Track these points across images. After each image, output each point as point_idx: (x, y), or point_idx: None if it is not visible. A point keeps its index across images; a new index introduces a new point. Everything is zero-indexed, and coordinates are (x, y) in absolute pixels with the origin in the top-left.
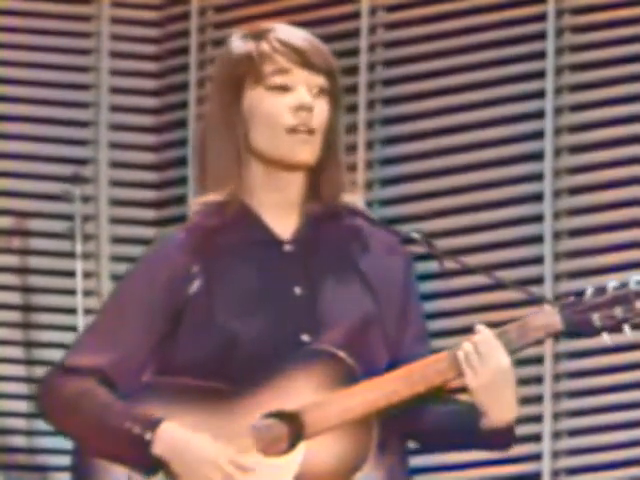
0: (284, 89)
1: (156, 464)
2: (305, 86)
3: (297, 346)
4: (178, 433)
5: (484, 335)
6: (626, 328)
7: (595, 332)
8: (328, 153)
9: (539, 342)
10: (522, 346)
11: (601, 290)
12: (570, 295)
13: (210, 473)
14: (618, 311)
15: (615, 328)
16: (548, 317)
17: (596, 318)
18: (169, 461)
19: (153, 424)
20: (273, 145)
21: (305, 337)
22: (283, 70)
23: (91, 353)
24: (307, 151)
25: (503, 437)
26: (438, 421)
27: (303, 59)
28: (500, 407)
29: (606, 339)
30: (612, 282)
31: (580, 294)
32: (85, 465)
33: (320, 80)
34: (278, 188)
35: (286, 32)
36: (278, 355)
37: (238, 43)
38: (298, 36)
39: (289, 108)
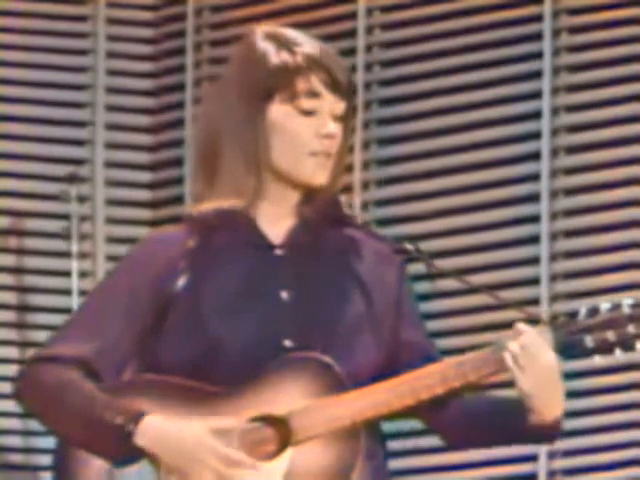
0: (312, 113)
1: (136, 456)
2: (331, 113)
3: (279, 351)
4: (163, 424)
5: (531, 335)
6: (617, 351)
7: (587, 354)
8: (334, 172)
9: None
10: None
11: (594, 311)
12: (566, 296)
13: (205, 457)
14: (610, 334)
15: (607, 351)
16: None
17: (589, 340)
18: (156, 452)
19: (136, 417)
20: (294, 166)
21: (287, 342)
22: (315, 93)
23: (74, 343)
24: (324, 175)
25: (551, 431)
26: (477, 415)
27: (334, 83)
28: (551, 404)
29: (598, 361)
30: (605, 304)
31: (573, 315)
32: (66, 462)
33: (342, 106)
34: (280, 201)
35: (314, 47)
36: (260, 359)
37: (264, 48)
38: (326, 52)
39: (316, 134)
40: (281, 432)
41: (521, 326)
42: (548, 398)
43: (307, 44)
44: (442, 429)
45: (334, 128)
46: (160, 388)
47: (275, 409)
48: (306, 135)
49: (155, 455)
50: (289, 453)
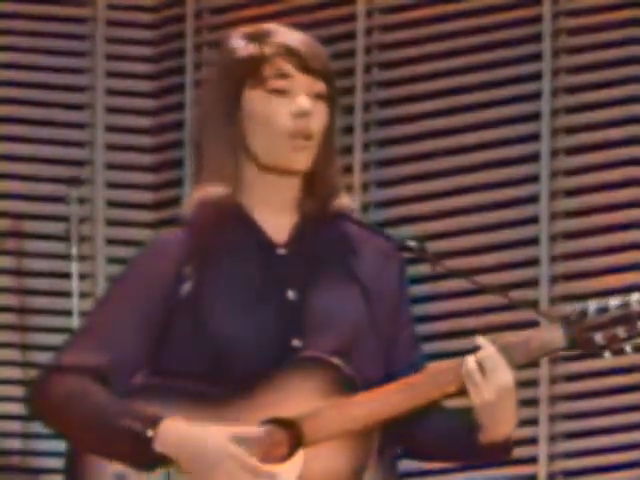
0: (284, 93)
1: (157, 461)
2: (305, 91)
3: (288, 351)
4: (182, 428)
5: (488, 351)
6: (627, 348)
7: (597, 351)
8: (324, 156)
9: (540, 359)
10: (524, 362)
11: (603, 309)
12: (566, 298)
13: (226, 464)
14: (620, 331)
15: (617, 348)
16: (550, 334)
17: (599, 338)
18: (175, 457)
19: (154, 421)
20: (270, 149)
21: (296, 342)
22: (284, 74)
23: (86, 351)
24: (303, 158)
25: (501, 449)
26: (435, 436)
27: (304, 64)
28: (500, 423)
29: (607, 357)
30: (613, 300)
31: (583, 312)
32: (78, 467)
33: (319, 85)
34: (273, 191)
35: (287, 35)
36: (269, 359)
37: (239, 44)
38: (299, 40)
39: (289, 113)
40: (293, 435)
41: (480, 340)
42: (498, 415)
43: (281, 35)
44: (413, 448)
45: (308, 105)
46: (170, 392)
47: (285, 410)
48: (279, 114)
49: (172, 458)
50: (302, 455)
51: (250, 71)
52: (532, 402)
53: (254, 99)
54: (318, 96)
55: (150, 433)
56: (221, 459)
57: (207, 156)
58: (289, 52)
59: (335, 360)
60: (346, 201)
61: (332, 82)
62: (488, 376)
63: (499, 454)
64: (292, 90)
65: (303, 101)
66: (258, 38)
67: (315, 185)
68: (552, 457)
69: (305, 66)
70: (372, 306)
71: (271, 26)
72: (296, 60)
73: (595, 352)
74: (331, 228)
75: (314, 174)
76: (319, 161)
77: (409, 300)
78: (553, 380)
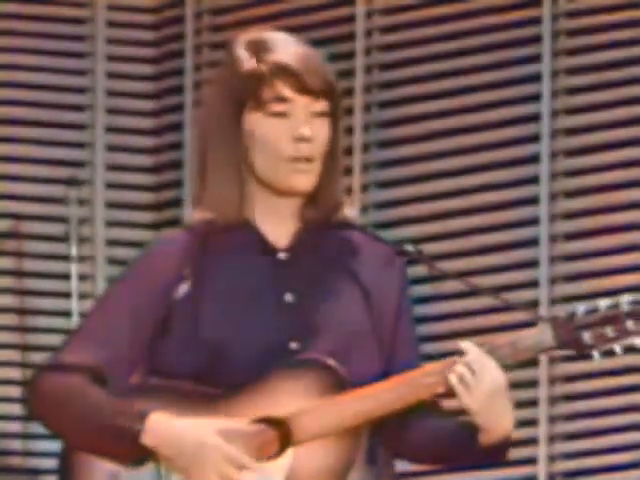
0: (284, 115)
1: (145, 455)
2: (305, 112)
3: (285, 353)
4: (169, 422)
5: (474, 354)
6: (616, 347)
7: (586, 350)
8: (327, 172)
9: (532, 358)
10: (515, 362)
11: (593, 309)
12: (566, 299)
13: (208, 457)
14: (609, 330)
15: (606, 348)
16: (540, 334)
17: (587, 337)
18: (162, 450)
19: (141, 415)
20: (271, 172)
21: (294, 345)
22: (283, 98)
23: (82, 351)
24: (305, 180)
25: (500, 449)
26: (431, 438)
27: (302, 85)
28: (498, 423)
29: (596, 358)
30: (604, 301)
31: (572, 313)
32: (72, 466)
33: (320, 104)
34: (275, 206)
35: (286, 51)
36: (266, 362)
37: (241, 55)
38: (297, 56)
39: (290, 138)
40: (282, 432)
41: (464, 345)
42: (495, 416)
43: (280, 50)
44: (405, 450)
45: (308, 131)
46: (167, 393)
47: (278, 411)
48: (280, 139)
49: (159, 451)
50: (290, 453)
51: (249, 93)
52: (532, 403)
53: (254, 122)
54: (319, 114)
55: (137, 427)
56: (205, 450)
57: (211, 177)
58: (287, 73)
59: (330, 361)
60: (349, 213)
61: (333, 97)
62: (478, 376)
63: (496, 456)
64: (292, 113)
65: (305, 130)
66: (258, 51)
67: (318, 199)
68: (552, 458)
69: (303, 87)
70: (372, 309)
71: (272, 37)
72: (294, 81)
73: (583, 351)
74: (333, 235)
75: (317, 188)
76: (322, 175)
77: (410, 303)
78: (552, 381)
